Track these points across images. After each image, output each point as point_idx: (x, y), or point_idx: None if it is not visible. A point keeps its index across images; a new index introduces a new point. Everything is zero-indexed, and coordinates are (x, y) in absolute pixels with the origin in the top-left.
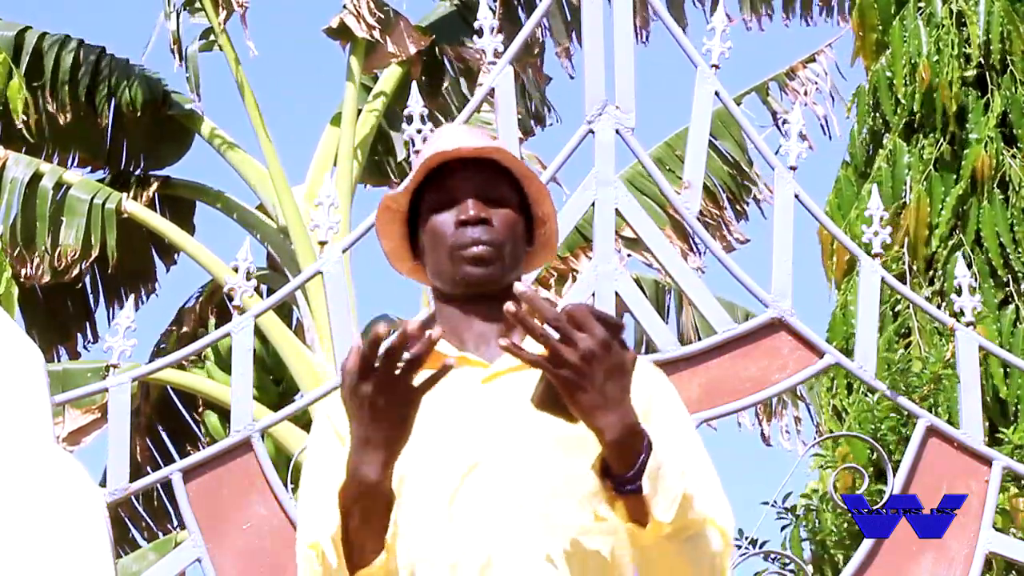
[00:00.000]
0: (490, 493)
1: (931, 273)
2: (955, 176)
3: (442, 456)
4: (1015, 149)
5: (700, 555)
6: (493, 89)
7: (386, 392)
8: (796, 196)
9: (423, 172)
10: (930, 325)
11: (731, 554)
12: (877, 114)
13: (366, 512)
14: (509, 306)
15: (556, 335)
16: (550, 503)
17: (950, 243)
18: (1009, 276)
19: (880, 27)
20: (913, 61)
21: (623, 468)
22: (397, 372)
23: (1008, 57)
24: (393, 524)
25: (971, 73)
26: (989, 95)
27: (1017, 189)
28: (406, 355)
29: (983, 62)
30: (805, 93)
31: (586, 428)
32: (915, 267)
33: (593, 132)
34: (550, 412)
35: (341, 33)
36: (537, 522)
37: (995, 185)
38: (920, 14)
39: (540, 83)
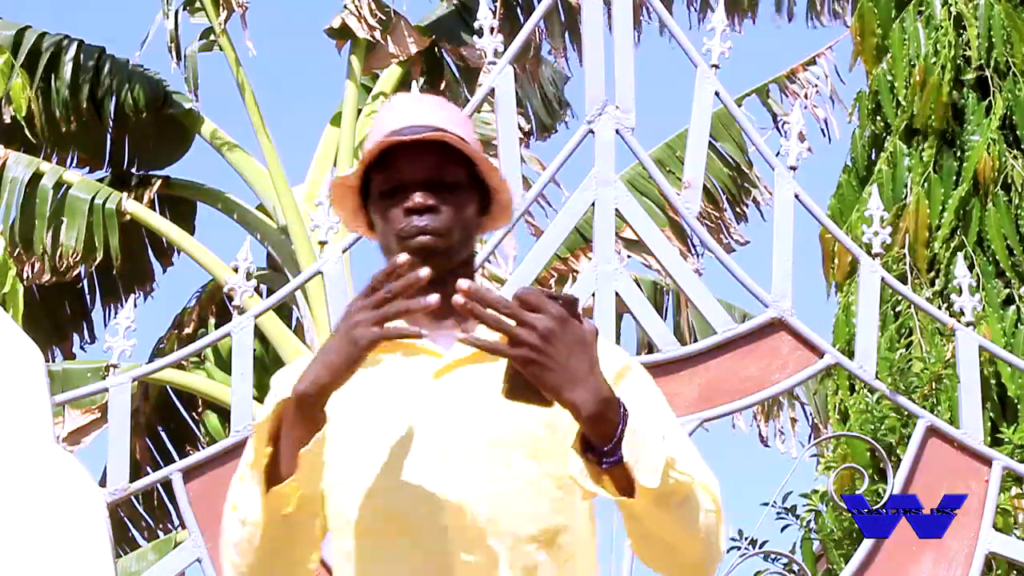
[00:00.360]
0: (438, 498)
1: (932, 274)
2: (955, 178)
3: (389, 457)
4: (1018, 151)
5: (692, 518)
6: (493, 89)
7: (356, 319)
8: (796, 196)
9: (370, 158)
10: (931, 325)
11: (723, 514)
12: (878, 117)
13: (287, 424)
14: (457, 299)
15: (511, 321)
16: (499, 510)
17: (952, 244)
18: (1014, 276)
19: (880, 31)
20: (912, 64)
21: (602, 440)
22: (371, 299)
23: (1010, 59)
24: (318, 456)
25: (972, 76)
26: (991, 97)
27: (1020, 190)
28: (387, 287)
29: (984, 64)
30: (805, 96)
31: (544, 426)
32: (916, 268)
33: (593, 132)
34: (521, 400)
35: (342, 33)
36: (486, 533)
37: (998, 187)
38: (920, 17)
39: (558, 82)
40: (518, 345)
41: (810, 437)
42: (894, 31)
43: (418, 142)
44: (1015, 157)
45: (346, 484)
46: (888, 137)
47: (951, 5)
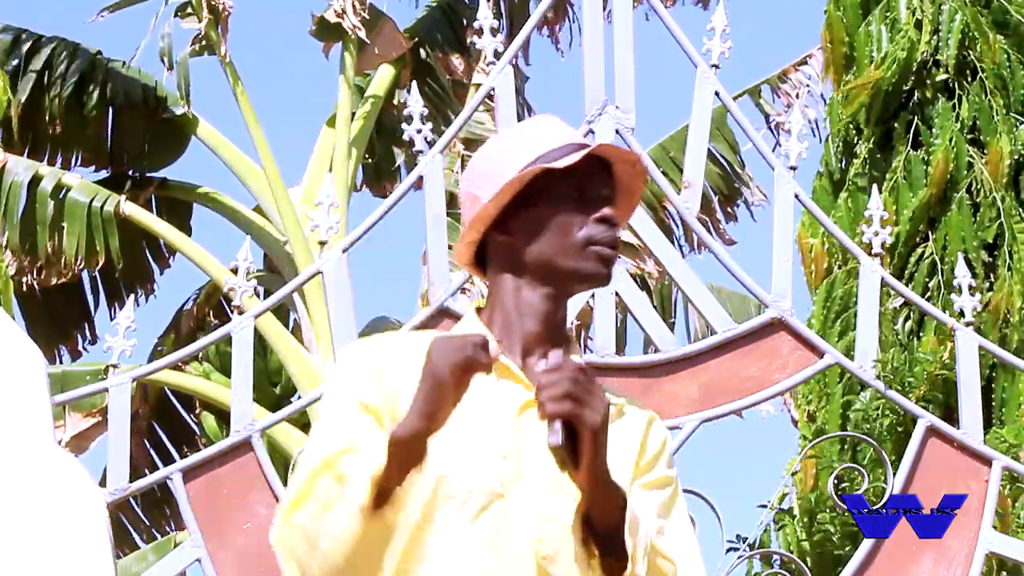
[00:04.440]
0: (503, 535)
1: (904, 280)
2: (924, 182)
3: (468, 488)
4: (983, 155)
5: None
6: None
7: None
8: (796, 196)
9: (584, 162)
10: (892, 336)
11: None
12: (851, 124)
13: (401, 462)
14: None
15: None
16: (554, 552)
17: (918, 250)
18: (981, 282)
19: (848, 38)
20: (878, 69)
21: (607, 525)
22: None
23: (978, 64)
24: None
25: (939, 79)
26: (956, 101)
27: (987, 194)
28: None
29: (949, 69)
30: (797, 96)
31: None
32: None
33: (593, 132)
34: (560, 457)
35: (325, 31)
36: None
37: (964, 191)
38: (885, 20)
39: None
40: (595, 412)
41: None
42: (859, 36)
43: (601, 161)
44: (985, 163)
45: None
46: (860, 143)
47: (916, 10)
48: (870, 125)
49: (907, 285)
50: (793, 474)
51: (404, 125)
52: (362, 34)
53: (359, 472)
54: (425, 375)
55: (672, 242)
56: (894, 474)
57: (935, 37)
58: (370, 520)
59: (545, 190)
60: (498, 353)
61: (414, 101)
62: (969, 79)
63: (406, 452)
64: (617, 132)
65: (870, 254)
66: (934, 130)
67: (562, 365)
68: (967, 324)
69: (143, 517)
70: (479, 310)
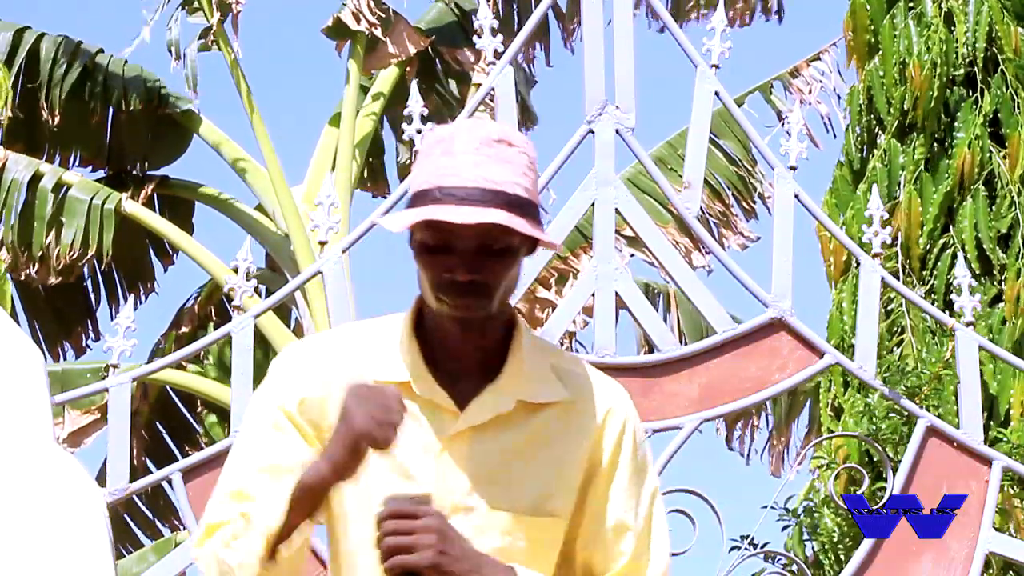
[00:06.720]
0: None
1: (926, 272)
2: (946, 175)
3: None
4: (1004, 148)
5: None
6: (493, 89)
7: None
8: (796, 196)
9: (414, 224)
10: (923, 324)
11: None
12: (871, 115)
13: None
14: None
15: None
16: None
17: (940, 242)
18: (984, 273)
19: (871, 28)
20: (903, 61)
21: None
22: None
23: (999, 56)
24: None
25: (961, 72)
26: (978, 94)
27: (1006, 188)
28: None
29: (973, 61)
30: (809, 92)
31: (542, 499)
32: (908, 267)
33: (593, 132)
34: None
35: (339, 31)
36: None
37: (982, 184)
38: (911, 13)
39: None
40: (424, 549)
41: (766, 445)
42: (884, 27)
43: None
44: (1003, 156)
45: (351, 547)
46: (881, 134)
47: (942, 1)
48: (891, 116)
49: (931, 277)
50: (820, 466)
51: (404, 125)
52: (378, 32)
53: (257, 523)
54: (341, 430)
55: (693, 237)
56: (894, 474)
57: (957, 30)
58: (266, 565)
59: (419, 227)
60: (422, 392)
61: (414, 101)
62: (991, 72)
63: (310, 498)
64: (617, 132)
65: (870, 254)
66: (956, 123)
67: (381, 523)
68: (967, 324)
69: (144, 516)
70: (418, 319)
